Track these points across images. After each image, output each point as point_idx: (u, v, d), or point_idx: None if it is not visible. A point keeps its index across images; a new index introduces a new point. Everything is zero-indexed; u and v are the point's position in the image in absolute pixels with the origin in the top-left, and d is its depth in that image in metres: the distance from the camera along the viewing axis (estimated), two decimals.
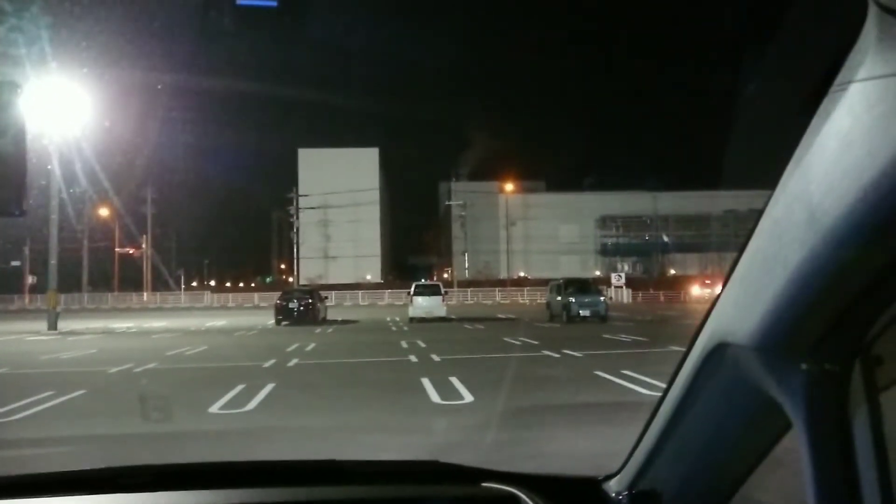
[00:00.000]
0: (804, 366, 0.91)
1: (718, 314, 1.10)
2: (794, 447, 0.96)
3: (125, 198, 55.32)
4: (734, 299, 1.04)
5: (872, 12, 0.69)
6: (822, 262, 0.78)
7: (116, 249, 62.17)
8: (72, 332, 23.60)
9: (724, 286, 1.07)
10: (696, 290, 47.62)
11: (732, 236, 58.43)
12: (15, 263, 59.99)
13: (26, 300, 56.49)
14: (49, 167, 22.51)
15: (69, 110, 22.21)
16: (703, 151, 69.44)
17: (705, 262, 67.25)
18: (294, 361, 13.44)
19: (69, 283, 49.35)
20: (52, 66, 16.75)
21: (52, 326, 24.36)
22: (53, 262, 25.74)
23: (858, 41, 0.73)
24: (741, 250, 1.01)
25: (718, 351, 1.10)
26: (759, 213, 0.95)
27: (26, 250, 58.24)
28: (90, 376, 11.80)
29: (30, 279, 57.76)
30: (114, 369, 12.50)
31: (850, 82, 0.74)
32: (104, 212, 55.71)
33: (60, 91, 20.12)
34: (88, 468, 1.76)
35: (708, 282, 47.84)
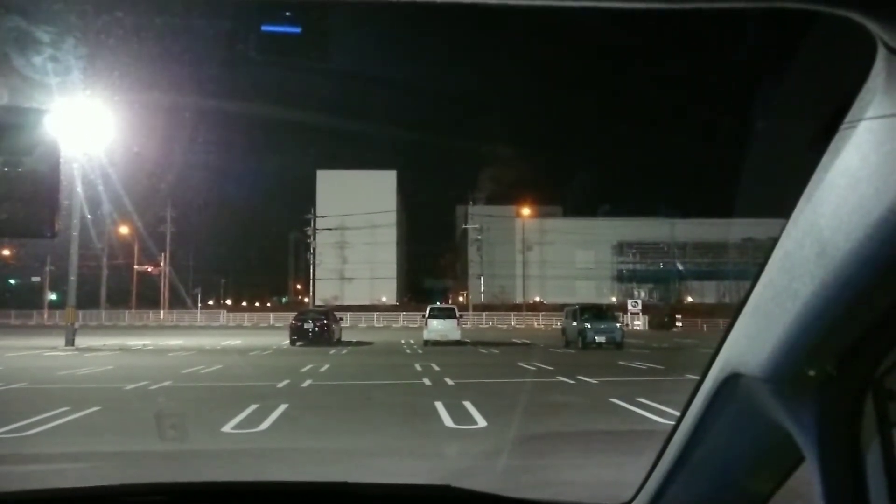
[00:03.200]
0: (816, 399, 0.91)
1: (731, 344, 1.10)
2: (810, 479, 0.96)
3: (145, 217, 55.88)
4: (746, 330, 1.04)
5: (881, 54, 0.71)
6: (832, 297, 0.79)
7: (135, 267, 62.75)
8: (89, 349, 23.76)
9: (736, 317, 1.08)
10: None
11: (750, 265, 57.88)
12: (35, 279, 60.70)
13: (45, 316, 57.02)
14: (72, 187, 22.86)
15: (93, 132, 22.58)
16: (721, 179, 69.18)
17: (722, 290, 66.66)
18: (308, 382, 13.44)
19: (88, 299, 49.76)
20: (77, 91, 17.10)
21: (70, 342, 24.55)
22: (73, 278, 26.04)
23: (867, 81, 0.75)
24: (753, 282, 1.02)
25: (731, 381, 1.10)
26: (771, 245, 0.97)
27: (47, 267, 58.94)
28: (106, 393, 11.86)
29: (50, 295, 58.35)
30: (129, 386, 12.57)
31: (859, 121, 0.75)
32: (124, 230, 56.32)
33: (85, 114, 20.47)
34: (103, 485, 1.78)
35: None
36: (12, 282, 62.27)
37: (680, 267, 68.94)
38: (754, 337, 1.00)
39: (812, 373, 0.90)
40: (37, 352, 22.44)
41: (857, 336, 0.83)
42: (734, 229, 61.34)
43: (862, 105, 0.75)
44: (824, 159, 0.82)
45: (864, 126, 0.74)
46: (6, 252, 58.04)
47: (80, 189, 24.35)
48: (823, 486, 0.91)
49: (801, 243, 0.85)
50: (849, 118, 0.78)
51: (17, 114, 1.12)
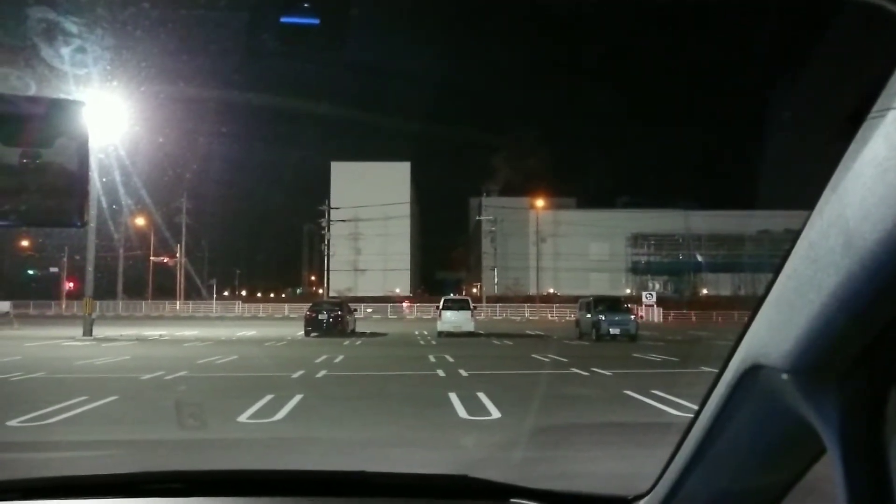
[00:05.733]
0: (839, 390, 0.90)
1: (752, 336, 1.09)
2: (828, 474, 0.95)
3: (161, 208, 56.33)
4: (768, 321, 1.03)
5: None
6: (857, 288, 0.78)
7: (151, 258, 63.21)
8: (106, 339, 24.00)
9: (757, 308, 1.07)
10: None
11: (766, 257, 57.51)
12: (53, 270, 61.30)
13: (63, 306, 57.60)
14: (91, 177, 23.04)
15: (113, 123, 22.76)
16: (738, 171, 68.68)
17: (738, 282, 66.24)
18: (322, 373, 13.51)
19: (105, 290, 50.26)
20: (100, 81, 17.25)
21: (88, 333, 24.83)
22: (90, 269, 26.31)
23: None
24: (776, 273, 1.01)
25: (751, 373, 1.09)
26: (794, 236, 0.96)
27: (64, 258, 59.50)
28: (123, 382, 11.98)
29: (67, 286, 58.94)
30: (146, 376, 12.68)
31: (887, 110, 0.74)
32: (140, 221, 56.74)
33: (106, 104, 20.61)
34: (121, 472, 1.80)
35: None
36: (31, 272, 62.94)
37: (698, 258, 68.53)
38: (777, 328, 0.99)
39: (835, 364, 0.89)
40: (55, 342, 22.70)
41: (881, 327, 0.82)
42: (750, 221, 60.88)
43: (890, 94, 0.74)
44: (851, 148, 0.81)
45: (892, 115, 0.73)
46: (24, 243, 58.66)
47: (98, 180, 24.62)
48: (845, 478, 0.90)
49: (826, 234, 0.84)
50: (876, 107, 0.76)
51: (43, 104, 1.12)
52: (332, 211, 56.94)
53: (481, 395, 9.94)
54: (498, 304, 57.04)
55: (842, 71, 0.92)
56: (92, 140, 1.13)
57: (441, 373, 13.60)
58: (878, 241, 0.73)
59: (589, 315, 25.66)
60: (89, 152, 1.11)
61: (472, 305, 28.45)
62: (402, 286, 73.53)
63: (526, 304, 57.17)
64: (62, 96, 1.12)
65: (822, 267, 0.84)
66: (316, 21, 1.60)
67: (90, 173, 1.13)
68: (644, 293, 48.72)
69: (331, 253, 57.17)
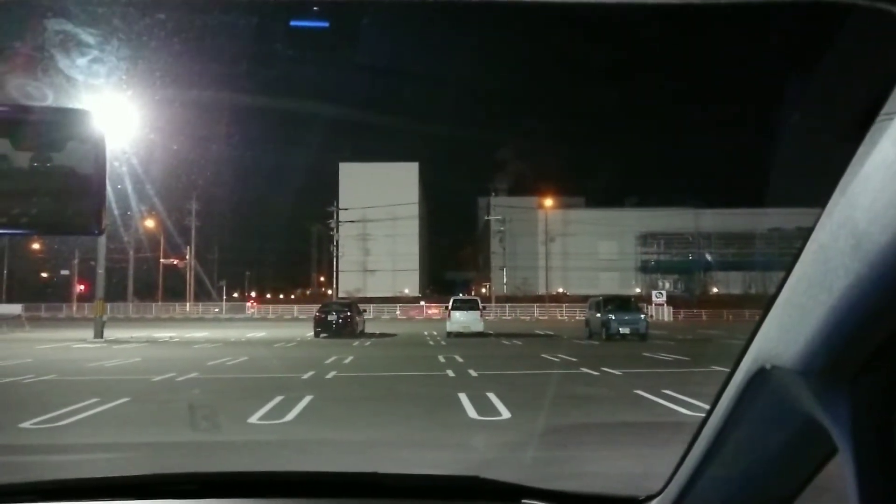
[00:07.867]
0: (850, 391, 0.91)
1: (763, 337, 1.10)
2: (840, 473, 0.95)
3: (172, 211, 56.59)
4: (779, 322, 1.04)
5: None
6: (867, 289, 0.79)
7: (161, 260, 63.50)
8: (117, 341, 24.11)
9: (768, 309, 1.07)
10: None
11: (777, 255, 57.21)
12: (64, 273, 61.68)
13: (74, 309, 57.92)
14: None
15: (123, 128, 22.88)
16: (748, 170, 68.35)
17: (749, 280, 65.94)
18: (332, 374, 13.54)
19: (115, 292, 50.54)
20: (110, 88, 17.38)
21: (99, 335, 24.96)
22: (101, 272, 26.46)
23: None
24: (786, 274, 1.01)
25: (762, 374, 1.09)
26: (804, 238, 0.96)
27: (75, 260, 59.86)
28: (134, 384, 12.04)
29: (78, 288, 59.28)
30: (157, 378, 12.74)
31: (895, 113, 0.74)
32: (150, 224, 57.01)
33: (115, 110, 20.73)
34: (133, 474, 1.82)
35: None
36: (42, 275, 63.36)
37: (708, 257, 68.27)
38: (787, 329, 0.99)
39: (846, 365, 0.89)
40: (66, 344, 22.82)
41: (892, 329, 0.82)
42: (760, 219, 60.58)
43: None
44: (860, 151, 0.81)
45: None
46: (36, 246, 59.04)
47: (108, 184, 24.75)
48: (857, 477, 0.90)
49: (835, 236, 0.84)
50: (885, 110, 0.77)
51: (50, 111, 1.13)
52: (340, 212, 57.08)
53: (491, 396, 9.94)
54: (507, 304, 57.00)
55: (850, 74, 0.92)
56: (107, 145, 1.14)
57: (450, 373, 13.60)
58: (888, 243, 0.73)
59: (598, 314, 25.57)
60: (106, 157, 1.11)
61: (481, 305, 28.44)
62: (410, 286, 73.61)
63: (535, 304, 57.09)
64: (73, 105, 1.13)
65: (831, 269, 0.85)
66: (325, 24, 1.62)
67: (106, 179, 1.13)
68: (654, 292, 48.56)
69: (340, 254, 57.30)
